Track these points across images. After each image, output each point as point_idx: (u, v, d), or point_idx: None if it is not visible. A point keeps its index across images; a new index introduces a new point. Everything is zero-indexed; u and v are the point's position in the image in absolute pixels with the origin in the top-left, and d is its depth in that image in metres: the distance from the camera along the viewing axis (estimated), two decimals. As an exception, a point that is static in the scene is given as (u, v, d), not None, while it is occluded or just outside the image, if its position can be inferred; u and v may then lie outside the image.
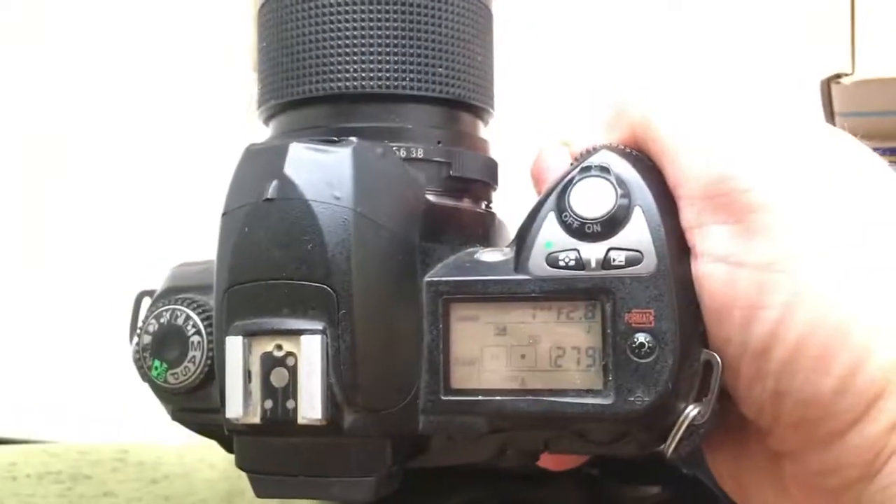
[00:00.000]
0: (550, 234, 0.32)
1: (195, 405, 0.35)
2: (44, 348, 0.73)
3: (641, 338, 0.31)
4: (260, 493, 0.33)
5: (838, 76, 0.49)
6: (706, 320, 0.32)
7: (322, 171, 0.31)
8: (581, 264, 0.32)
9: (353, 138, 0.32)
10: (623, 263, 0.31)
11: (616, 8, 0.61)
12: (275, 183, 0.31)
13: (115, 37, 0.76)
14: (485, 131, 0.39)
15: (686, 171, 0.32)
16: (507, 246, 0.34)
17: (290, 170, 0.31)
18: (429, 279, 0.33)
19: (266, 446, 0.32)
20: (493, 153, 0.40)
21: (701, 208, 0.31)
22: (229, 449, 0.36)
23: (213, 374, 0.34)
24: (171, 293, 0.36)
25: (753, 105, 0.33)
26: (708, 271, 0.31)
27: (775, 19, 0.59)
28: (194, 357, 0.34)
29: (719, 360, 0.31)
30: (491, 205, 0.39)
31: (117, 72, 0.76)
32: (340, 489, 0.32)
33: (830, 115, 0.53)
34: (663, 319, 0.31)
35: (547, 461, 0.38)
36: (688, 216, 0.32)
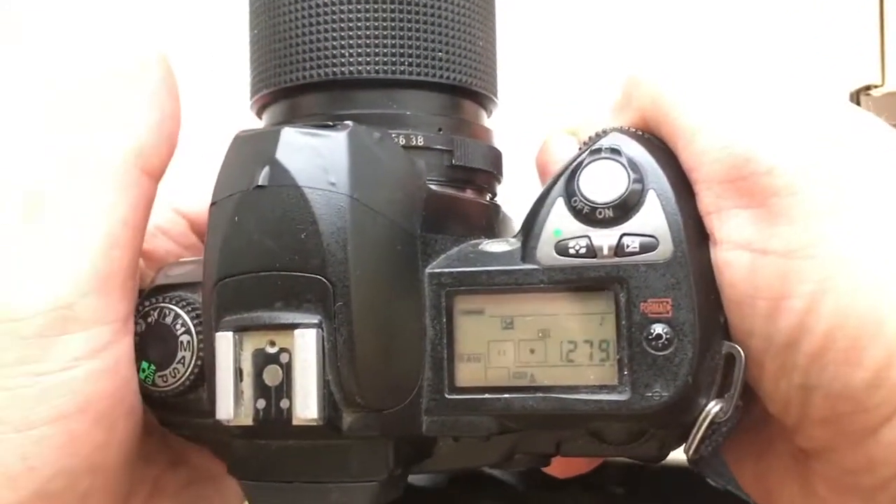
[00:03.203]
0: (559, 220, 0.30)
1: (185, 409, 0.33)
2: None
3: (658, 328, 0.29)
4: (254, 502, 0.31)
5: (868, 88, 0.48)
6: (727, 311, 0.30)
7: (316, 157, 0.29)
8: (592, 252, 0.30)
9: (348, 122, 0.30)
10: (637, 250, 0.29)
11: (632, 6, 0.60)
12: (266, 169, 0.29)
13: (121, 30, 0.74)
14: (488, 121, 0.38)
15: (702, 154, 0.30)
16: (514, 236, 0.32)
17: (282, 155, 0.29)
18: (431, 271, 0.31)
19: (260, 450, 0.30)
20: (498, 145, 0.38)
21: (719, 192, 0.29)
22: (222, 456, 0.34)
23: (203, 376, 0.32)
24: (159, 291, 0.34)
25: (769, 82, 0.31)
26: (729, 259, 0.29)
27: (805, 32, 0.57)
28: (184, 358, 0.32)
29: (742, 352, 0.29)
30: (495, 198, 0.37)
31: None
32: (339, 495, 0.30)
33: None
34: (681, 309, 0.29)
35: (553, 467, 0.36)
36: (706, 201, 0.30)
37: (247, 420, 0.29)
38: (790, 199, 0.28)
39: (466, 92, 0.35)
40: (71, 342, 0.30)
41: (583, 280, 0.30)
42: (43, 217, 0.31)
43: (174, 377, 0.33)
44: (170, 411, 0.33)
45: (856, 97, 0.49)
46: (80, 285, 0.30)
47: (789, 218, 0.28)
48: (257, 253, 0.29)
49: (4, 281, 0.30)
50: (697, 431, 0.30)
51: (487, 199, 0.37)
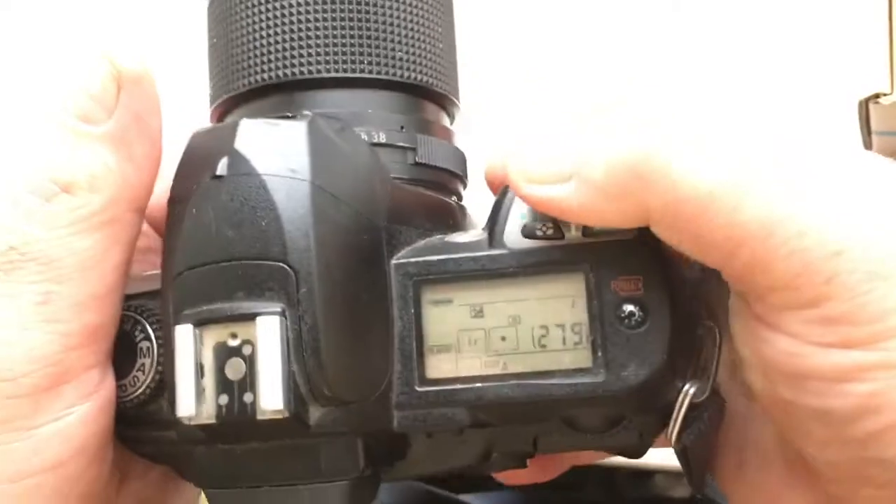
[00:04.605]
0: (525, 206, 0.30)
1: (146, 421, 0.31)
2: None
3: (630, 307, 0.28)
4: None
5: (877, 96, 0.48)
6: (749, 372, 0.28)
7: (276, 145, 0.29)
8: (560, 232, 0.29)
9: (308, 112, 0.30)
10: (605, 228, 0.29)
11: (624, 14, 0.60)
12: (224, 159, 0.29)
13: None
14: (450, 125, 0.37)
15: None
16: (482, 229, 0.31)
17: (241, 145, 0.29)
18: (397, 262, 0.30)
19: (224, 456, 0.29)
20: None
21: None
22: (185, 470, 0.32)
23: (164, 385, 0.31)
24: None
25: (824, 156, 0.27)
26: (771, 339, 0.26)
27: (813, 40, 0.58)
28: (143, 365, 0.31)
29: (718, 331, 0.29)
30: (461, 201, 0.37)
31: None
32: (311, 497, 0.29)
33: (868, 134, 0.53)
34: (652, 287, 0.28)
35: (533, 471, 0.35)
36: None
37: (209, 418, 0.28)
38: (854, 302, 0.25)
39: (427, 92, 0.35)
40: (63, 392, 0.28)
41: (552, 262, 0.29)
42: (24, 269, 0.28)
43: (133, 386, 0.31)
44: (129, 425, 0.32)
45: (864, 105, 0.49)
46: (71, 340, 0.28)
47: (852, 319, 0.25)
48: (217, 243, 0.28)
49: None
50: (678, 415, 0.29)
51: (454, 200, 0.36)
